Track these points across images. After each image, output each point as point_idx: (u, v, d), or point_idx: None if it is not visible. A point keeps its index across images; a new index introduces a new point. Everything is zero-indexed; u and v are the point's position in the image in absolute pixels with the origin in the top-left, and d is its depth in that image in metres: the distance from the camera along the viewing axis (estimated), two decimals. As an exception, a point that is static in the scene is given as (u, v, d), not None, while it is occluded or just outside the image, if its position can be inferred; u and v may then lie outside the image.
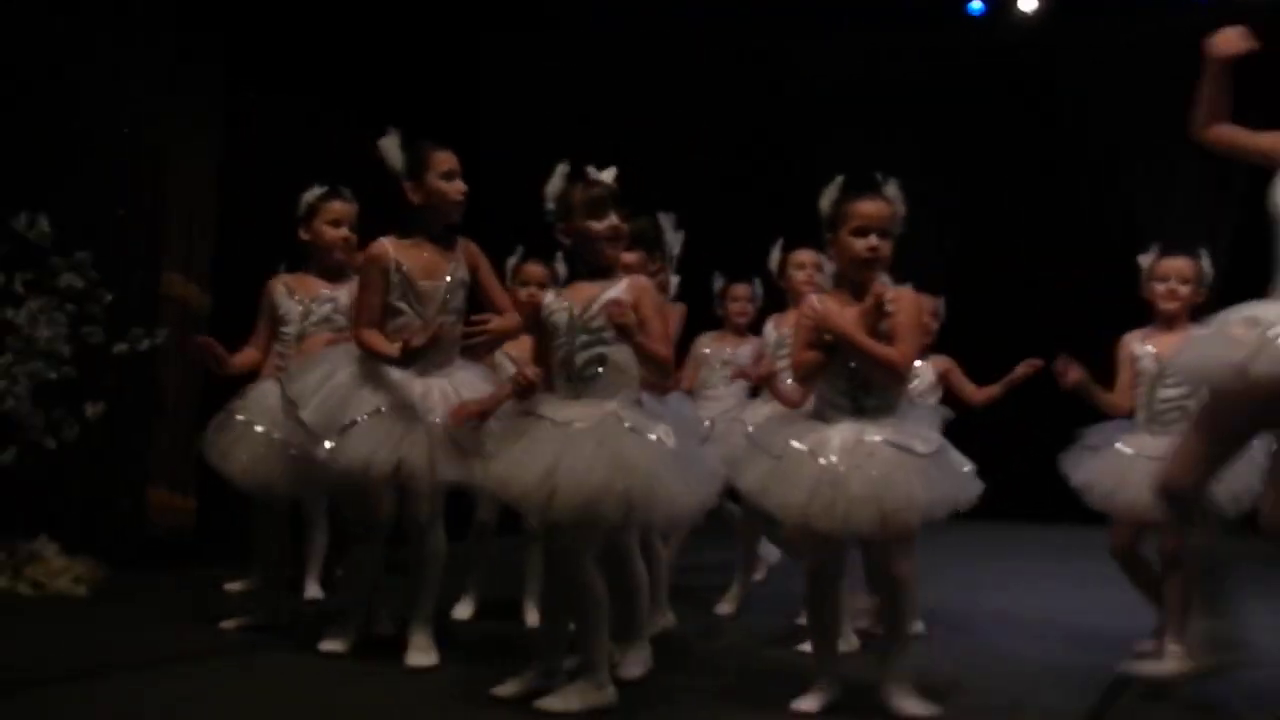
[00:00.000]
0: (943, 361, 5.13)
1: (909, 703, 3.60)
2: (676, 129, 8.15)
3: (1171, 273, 4.37)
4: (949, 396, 5.05)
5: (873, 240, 3.64)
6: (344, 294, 4.57)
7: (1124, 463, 4.29)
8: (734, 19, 8.11)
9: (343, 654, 4.13)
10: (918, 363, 4.38)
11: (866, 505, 3.47)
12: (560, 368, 3.66)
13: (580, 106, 7.53)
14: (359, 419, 3.91)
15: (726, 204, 8.29)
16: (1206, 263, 4.40)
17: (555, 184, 3.73)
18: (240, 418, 4.45)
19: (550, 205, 3.72)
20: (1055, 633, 4.98)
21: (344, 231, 4.60)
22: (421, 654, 4.05)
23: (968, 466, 3.65)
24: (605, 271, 3.71)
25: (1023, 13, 9.11)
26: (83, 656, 4.03)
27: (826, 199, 3.71)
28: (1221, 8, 8.99)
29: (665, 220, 4.17)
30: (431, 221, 4.10)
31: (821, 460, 3.53)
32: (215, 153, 6.06)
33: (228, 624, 4.51)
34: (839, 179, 3.72)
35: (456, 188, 4.08)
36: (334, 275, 4.62)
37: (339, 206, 4.61)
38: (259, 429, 4.38)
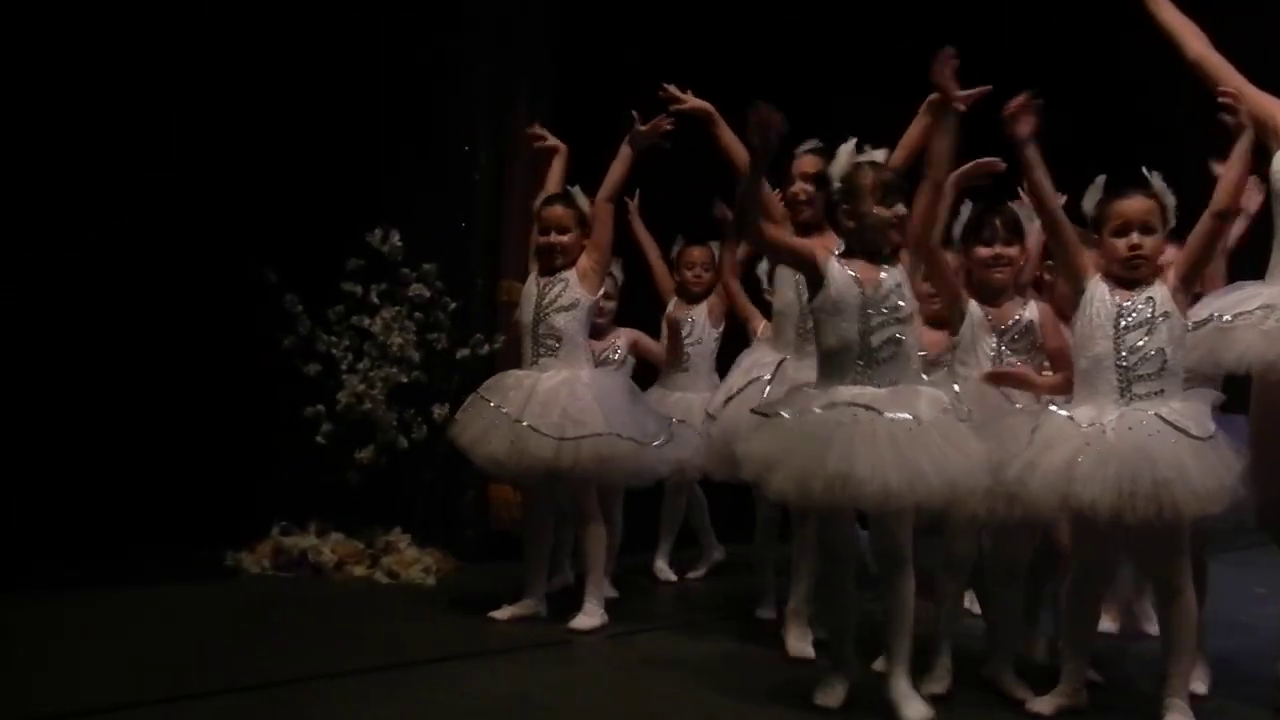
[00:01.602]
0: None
1: (1177, 717, 3.46)
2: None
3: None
4: None
5: (1134, 239, 3.55)
6: (572, 274, 4.66)
7: None
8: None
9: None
10: None
11: (1136, 470, 3.32)
12: (852, 347, 3.57)
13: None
14: None
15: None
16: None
17: (842, 164, 3.65)
18: (493, 404, 4.57)
19: (836, 184, 3.65)
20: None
21: (551, 238, 4.68)
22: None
23: (1240, 458, 3.40)
24: (883, 255, 3.64)
25: None
26: (424, 643, 4.28)
27: (1089, 199, 3.65)
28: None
29: (1021, 209, 4.03)
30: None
31: (1085, 426, 3.42)
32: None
33: (498, 614, 4.62)
34: (1100, 179, 3.65)
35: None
36: (554, 270, 4.69)
37: (546, 214, 4.70)
38: (506, 409, 4.51)
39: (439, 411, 5.71)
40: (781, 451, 3.52)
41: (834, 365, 3.62)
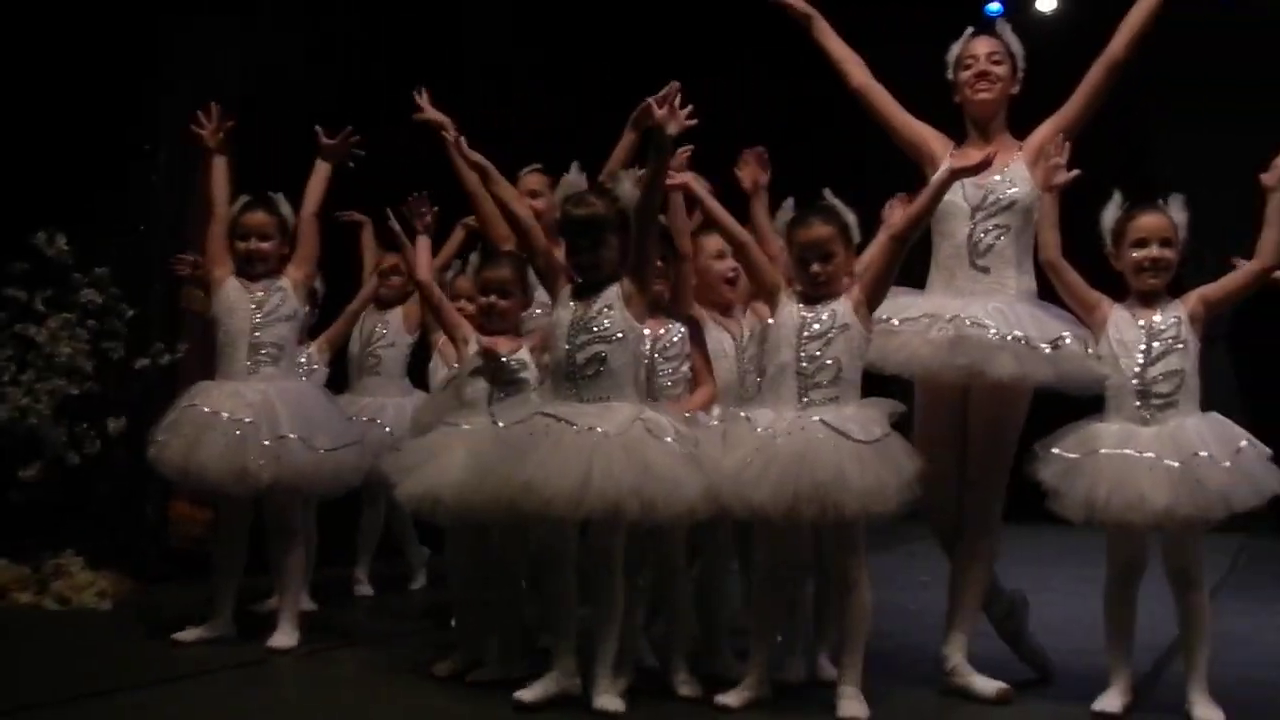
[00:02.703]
0: None
1: (850, 704, 3.68)
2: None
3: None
4: None
5: (814, 267, 3.82)
6: (287, 284, 4.58)
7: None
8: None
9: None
10: None
11: (797, 473, 3.58)
12: (561, 364, 3.78)
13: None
14: None
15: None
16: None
17: (560, 195, 3.92)
18: (203, 409, 4.42)
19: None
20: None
21: (251, 244, 4.57)
22: None
23: (911, 460, 3.70)
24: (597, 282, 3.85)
25: (1041, 13, 9.09)
26: (106, 672, 4.04)
27: (780, 220, 3.99)
28: (1241, 4, 9.00)
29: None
30: None
31: (760, 429, 3.68)
32: (233, 168, 6.09)
33: (182, 636, 4.43)
34: (788, 202, 4.01)
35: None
36: (255, 278, 4.59)
37: (247, 219, 4.59)
38: (225, 417, 4.37)
39: (115, 424, 5.42)
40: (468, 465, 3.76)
41: (552, 380, 3.84)
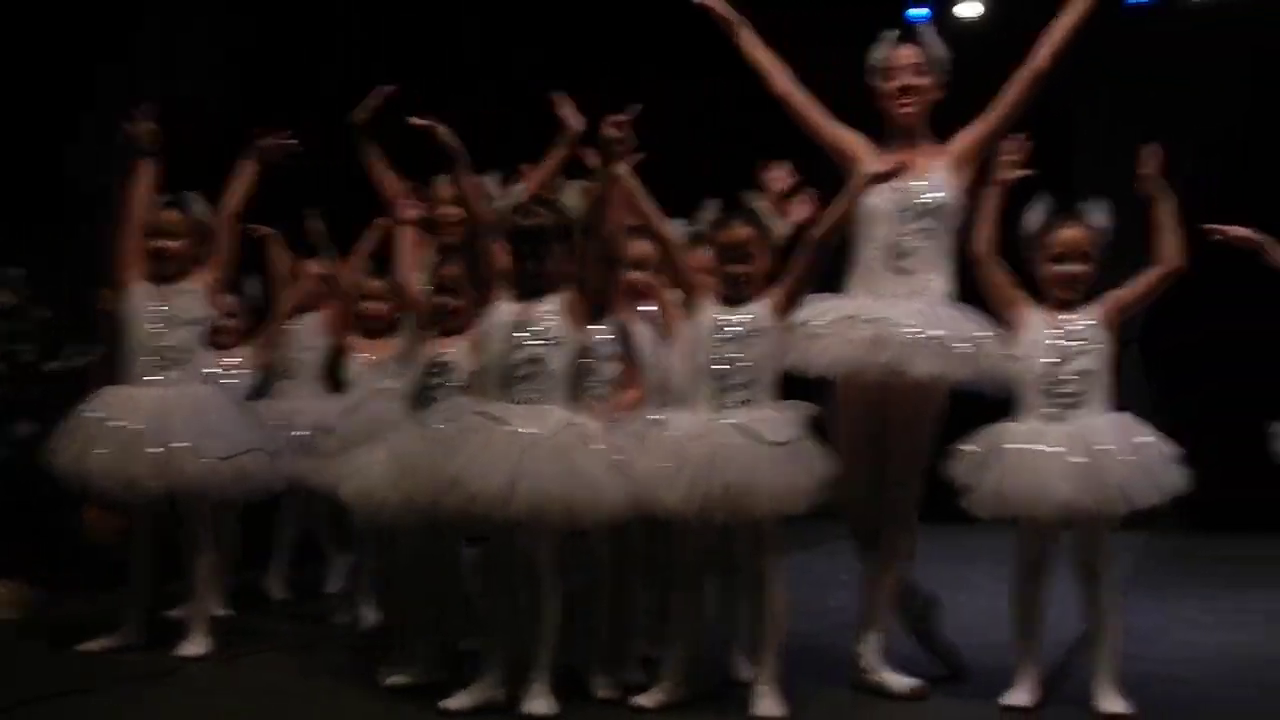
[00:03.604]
0: None
1: (766, 702, 3.70)
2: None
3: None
4: None
5: (728, 268, 3.84)
6: (196, 286, 4.50)
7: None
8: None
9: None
10: None
11: (709, 475, 3.60)
12: (495, 368, 3.77)
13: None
14: None
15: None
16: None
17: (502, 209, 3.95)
18: (96, 415, 4.35)
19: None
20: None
21: (159, 243, 4.48)
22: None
23: (824, 460, 3.72)
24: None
25: (961, 19, 9.20)
26: (8, 684, 3.95)
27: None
28: (1163, 10, 9.16)
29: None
30: None
31: (675, 432, 3.70)
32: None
33: (89, 646, 4.37)
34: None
35: None
36: (165, 280, 4.50)
37: (156, 218, 4.50)
38: (115, 424, 4.30)
39: (24, 428, 5.30)
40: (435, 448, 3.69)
41: (480, 381, 3.84)
